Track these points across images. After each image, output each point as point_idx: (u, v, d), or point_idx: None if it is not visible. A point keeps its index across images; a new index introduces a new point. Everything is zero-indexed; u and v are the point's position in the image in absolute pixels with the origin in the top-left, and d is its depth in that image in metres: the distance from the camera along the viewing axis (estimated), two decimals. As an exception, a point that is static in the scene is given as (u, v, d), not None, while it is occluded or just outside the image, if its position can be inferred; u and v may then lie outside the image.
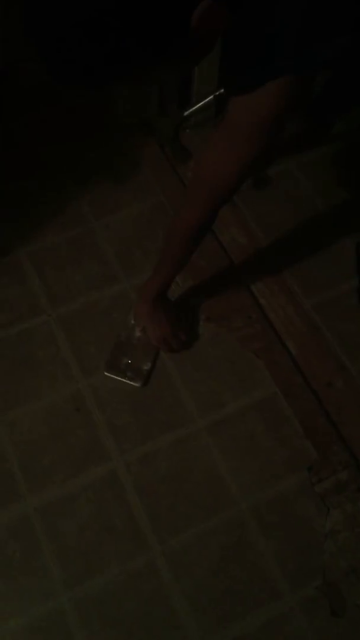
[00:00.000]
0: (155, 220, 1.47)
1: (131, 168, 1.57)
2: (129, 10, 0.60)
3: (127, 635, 1.05)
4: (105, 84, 0.68)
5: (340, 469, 1.19)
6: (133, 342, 1.30)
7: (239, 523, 1.14)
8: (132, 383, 1.26)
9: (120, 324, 1.32)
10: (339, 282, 1.41)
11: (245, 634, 1.05)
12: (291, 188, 1.55)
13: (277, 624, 1.06)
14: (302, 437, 1.22)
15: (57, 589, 1.08)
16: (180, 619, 1.06)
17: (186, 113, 1.58)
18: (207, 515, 1.14)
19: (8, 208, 1.47)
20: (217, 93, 1.54)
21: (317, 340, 1.33)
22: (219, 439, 1.22)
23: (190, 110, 1.58)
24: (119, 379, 1.26)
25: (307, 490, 1.17)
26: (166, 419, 1.23)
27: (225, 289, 1.39)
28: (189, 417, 1.24)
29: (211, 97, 1.55)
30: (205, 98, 1.55)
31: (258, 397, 1.26)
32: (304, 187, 1.55)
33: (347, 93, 1.46)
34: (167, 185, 1.54)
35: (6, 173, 1.51)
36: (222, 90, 1.53)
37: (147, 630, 1.05)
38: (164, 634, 1.05)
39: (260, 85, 0.78)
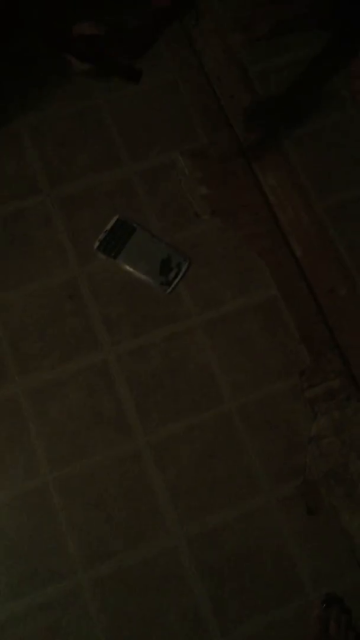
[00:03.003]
0: (166, 100, 1.36)
1: (145, 40, 1.43)
2: None
3: (107, 516, 1.08)
4: None
5: (333, 377, 1.18)
6: None
7: (227, 420, 1.14)
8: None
9: (121, 210, 1.26)
10: (358, 185, 1.32)
11: (223, 524, 1.09)
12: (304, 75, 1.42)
13: (255, 517, 1.10)
14: (298, 341, 1.20)
15: (42, 468, 1.10)
16: (160, 504, 1.09)
17: None
18: (196, 411, 1.15)
19: (10, 67, 1.34)
20: None
21: (324, 245, 1.28)
22: (214, 337, 1.19)
23: None
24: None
25: (297, 395, 1.16)
26: (161, 313, 1.20)
27: (234, 183, 1.31)
28: (185, 313, 1.21)
29: None
30: None
31: (258, 298, 1.23)
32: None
33: None
34: (183, 63, 1.41)
35: (10, 30, 1.37)
36: None
37: (127, 512, 1.09)
38: (144, 518, 1.09)
39: None
